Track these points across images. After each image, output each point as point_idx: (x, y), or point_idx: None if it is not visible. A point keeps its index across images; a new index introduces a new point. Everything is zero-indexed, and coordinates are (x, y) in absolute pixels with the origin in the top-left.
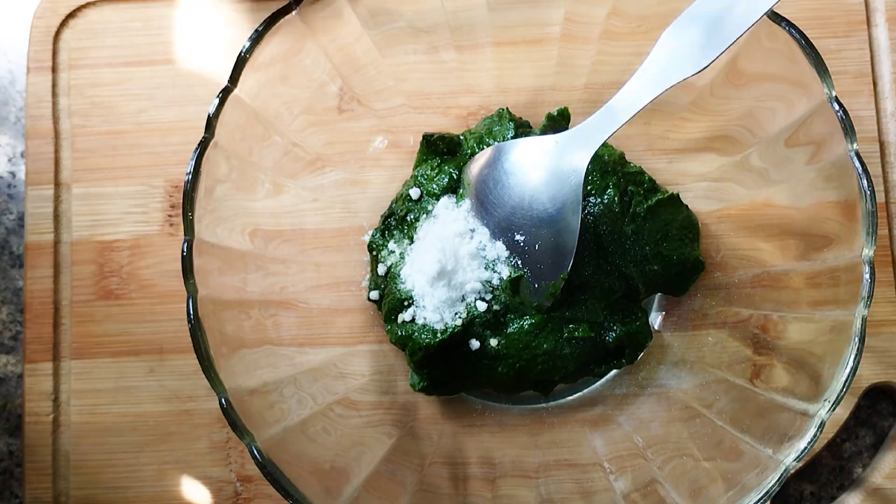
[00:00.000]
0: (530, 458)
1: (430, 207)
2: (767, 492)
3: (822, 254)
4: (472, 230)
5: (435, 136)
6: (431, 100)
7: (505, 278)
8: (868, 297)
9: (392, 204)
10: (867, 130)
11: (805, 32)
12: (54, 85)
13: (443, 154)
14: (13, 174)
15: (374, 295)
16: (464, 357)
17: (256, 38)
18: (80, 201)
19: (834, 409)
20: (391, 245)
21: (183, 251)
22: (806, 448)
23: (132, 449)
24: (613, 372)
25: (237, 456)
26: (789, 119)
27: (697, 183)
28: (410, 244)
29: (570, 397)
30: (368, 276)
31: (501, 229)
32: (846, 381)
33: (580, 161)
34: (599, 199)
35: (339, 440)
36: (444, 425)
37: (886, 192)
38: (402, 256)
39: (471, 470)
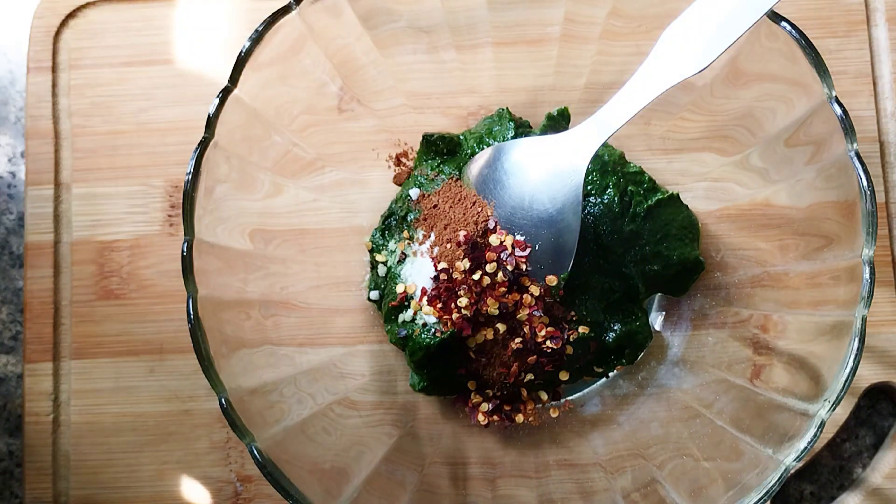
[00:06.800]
0: (530, 458)
1: None
2: (767, 492)
3: (822, 254)
4: None
5: (435, 136)
6: (431, 100)
7: None
8: (868, 297)
9: (392, 204)
10: (867, 130)
11: (805, 32)
12: (54, 85)
13: (443, 154)
14: (13, 174)
15: (374, 295)
16: (464, 357)
17: (256, 38)
18: (80, 201)
19: (834, 409)
20: (391, 245)
21: (183, 251)
22: (806, 448)
23: (132, 449)
24: (613, 372)
25: (237, 456)
26: (789, 119)
27: (697, 183)
28: (410, 244)
29: (570, 397)
30: (368, 276)
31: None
32: (846, 381)
33: (580, 161)
34: (599, 199)
35: (339, 440)
36: (444, 425)
37: (886, 192)
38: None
39: (471, 470)
